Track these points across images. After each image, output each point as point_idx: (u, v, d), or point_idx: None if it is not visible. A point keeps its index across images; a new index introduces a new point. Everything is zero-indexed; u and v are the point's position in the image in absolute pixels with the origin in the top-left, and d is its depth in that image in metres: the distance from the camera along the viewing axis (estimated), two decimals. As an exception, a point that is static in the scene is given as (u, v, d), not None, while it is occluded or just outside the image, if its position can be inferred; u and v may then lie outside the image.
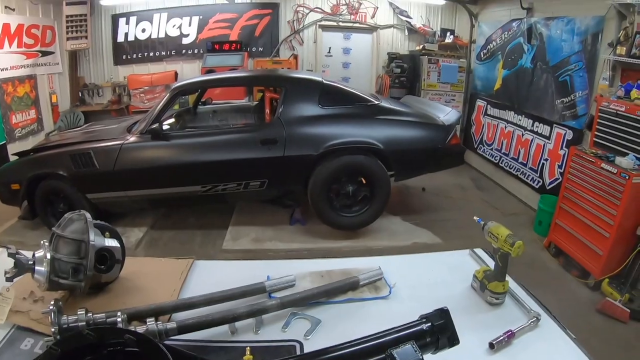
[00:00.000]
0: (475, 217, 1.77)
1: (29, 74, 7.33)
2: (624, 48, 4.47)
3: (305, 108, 4.87)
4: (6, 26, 6.67)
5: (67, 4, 7.89)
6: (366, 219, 4.99)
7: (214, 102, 6.54)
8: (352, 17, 8.87)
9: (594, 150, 4.44)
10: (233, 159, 4.70)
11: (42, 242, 1.47)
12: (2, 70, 6.63)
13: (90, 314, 1.28)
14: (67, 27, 7.97)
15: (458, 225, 5.20)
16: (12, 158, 5.86)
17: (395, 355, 0.90)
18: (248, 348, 1.18)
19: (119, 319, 1.27)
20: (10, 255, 1.41)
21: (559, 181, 5.34)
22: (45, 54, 7.74)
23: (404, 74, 8.41)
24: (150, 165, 4.74)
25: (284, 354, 1.30)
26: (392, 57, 8.65)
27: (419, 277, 1.74)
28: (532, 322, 1.44)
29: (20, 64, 7.09)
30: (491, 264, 1.64)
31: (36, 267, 1.42)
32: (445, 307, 1.05)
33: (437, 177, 5.87)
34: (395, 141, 4.87)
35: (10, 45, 6.79)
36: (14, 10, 6.87)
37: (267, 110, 5.31)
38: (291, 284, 1.60)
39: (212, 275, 1.73)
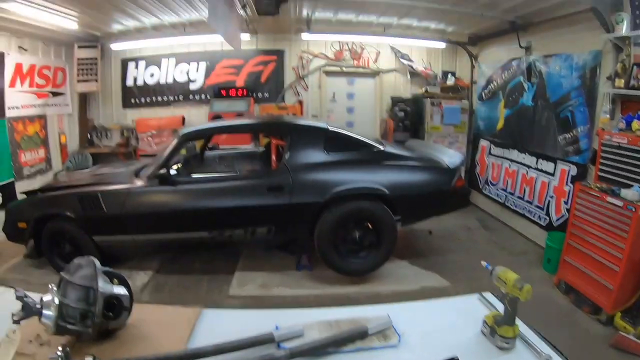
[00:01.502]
0: (482, 262, 1.77)
1: (39, 113, 7.51)
2: (622, 80, 4.56)
3: (311, 155, 4.92)
4: (19, 66, 6.88)
5: (79, 47, 8.20)
6: (373, 264, 4.95)
7: (220, 147, 6.62)
8: (355, 62, 9.04)
9: (598, 185, 4.46)
10: (240, 206, 4.73)
11: (50, 286, 1.47)
12: (13, 108, 6.79)
13: (97, 361, 1.26)
14: (78, 70, 8.27)
15: (466, 268, 5.18)
16: (20, 196, 5.91)
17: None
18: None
19: (126, 368, 1.26)
20: (18, 298, 1.41)
21: (565, 218, 5.33)
22: (55, 94, 7.96)
23: (408, 117, 8.52)
24: (158, 210, 4.77)
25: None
26: (395, 101, 8.77)
27: (428, 324, 1.71)
28: (543, 364, 1.42)
29: (31, 103, 7.27)
30: (501, 307, 1.62)
31: (44, 311, 1.41)
32: (456, 356, 1.04)
33: (444, 219, 5.83)
34: (401, 186, 4.88)
35: (22, 85, 6.99)
36: (26, 50, 7.11)
37: (274, 157, 5.37)
38: (300, 333, 1.58)
39: (220, 324, 1.71)
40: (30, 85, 7.23)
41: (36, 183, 6.84)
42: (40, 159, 7.56)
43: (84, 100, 8.85)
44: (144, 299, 4.57)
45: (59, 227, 4.86)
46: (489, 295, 1.90)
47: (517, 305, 1.56)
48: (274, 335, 1.54)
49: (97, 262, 1.58)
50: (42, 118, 7.61)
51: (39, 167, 7.51)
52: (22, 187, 6.37)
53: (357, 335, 1.57)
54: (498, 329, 1.55)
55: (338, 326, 1.63)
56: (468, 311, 1.80)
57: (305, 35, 8.45)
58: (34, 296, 1.46)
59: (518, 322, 1.59)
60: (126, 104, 9.09)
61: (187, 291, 4.88)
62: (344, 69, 9.11)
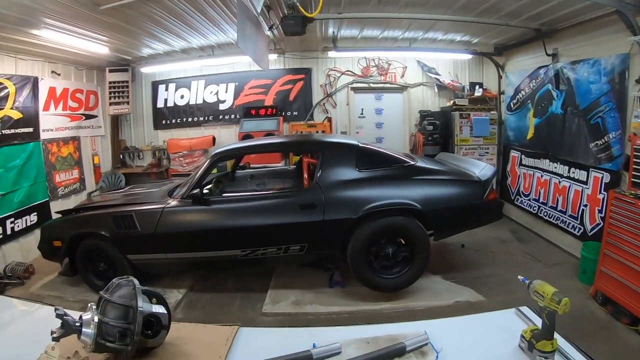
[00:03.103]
0: (519, 277, 1.75)
1: (72, 135, 7.76)
2: (652, 83, 4.44)
3: (342, 172, 4.92)
4: (52, 90, 7.14)
5: (110, 70, 8.43)
6: (407, 279, 4.89)
7: (251, 165, 6.70)
8: (382, 77, 9.06)
9: (633, 191, 4.35)
10: (273, 224, 4.75)
11: (89, 305, 1.52)
12: (47, 131, 7.02)
13: (136, 378, 1.29)
14: (110, 93, 8.50)
15: (501, 281, 5.10)
16: (55, 215, 6.07)
17: None
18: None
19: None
20: (58, 316, 1.45)
21: (600, 226, 5.20)
22: (88, 117, 8.23)
23: (437, 130, 8.47)
24: (191, 229, 4.84)
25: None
26: (424, 115, 8.74)
27: (466, 340, 1.70)
28: (583, 378, 1.40)
29: (65, 125, 7.53)
30: (538, 321, 1.60)
31: (83, 329, 1.46)
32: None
33: (477, 232, 5.77)
34: (433, 200, 4.85)
35: (55, 108, 7.25)
36: (59, 75, 7.38)
37: (305, 175, 5.38)
38: (338, 351, 1.58)
39: (257, 342, 1.74)
40: (64, 108, 7.49)
41: (70, 203, 7.04)
42: (74, 179, 7.77)
43: (116, 122, 9.11)
44: (177, 316, 4.64)
45: (93, 246, 4.97)
46: (525, 310, 1.88)
47: (555, 319, 1.53)
48: (312, 354, 1.55)
49: (137, 282, 1.62)
50: (75, 140, 7.84)
51: (73, 187, 7.71)
52: (56, 207, 6.56)
53: (395, 353, 1.57)
54: (536, 344, 1.53)
55: (376, 343, 1.63)
56: (505, 326, 1.78)
57: (332, 53, 8.52)
58: (73, 314, 1.51)
59: (556, 336, 1.56)
60: (157, 125, 9.32)
61: (220, 309, 4.92)
62: (372, 84, 9.13)
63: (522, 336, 1.61)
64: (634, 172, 4.48)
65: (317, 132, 8.48)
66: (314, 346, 1.60)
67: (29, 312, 1.98)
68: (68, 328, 1.46)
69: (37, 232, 5.65)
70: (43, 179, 6.86)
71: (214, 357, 1.60)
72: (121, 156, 9.11)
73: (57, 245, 5.10)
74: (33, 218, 6.52)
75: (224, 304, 5.05)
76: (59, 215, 5.42)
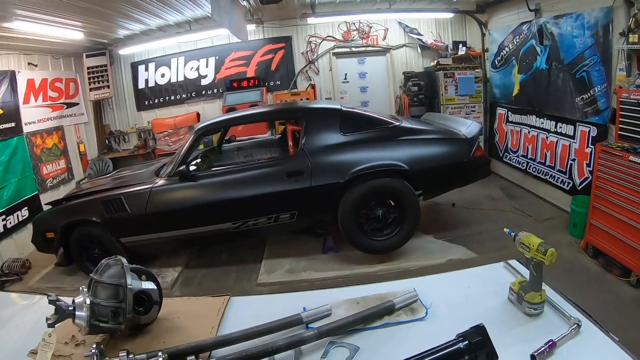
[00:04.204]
0: (505, 229, 1.75)
1: (56, 125, 7.64)
2: (637, 35, 4.42)
3: (327, 137, 4.91)
4: (31, 82, 7.00)
5: (87, 56, 8.26)
6: (398, 240, 4.95)
7: (237, 138, 6.65)
8: (364, 41, 8.97)
9: (620, 144, 4.35)
10: (261, 194, 4.75)
11: (81, 288, 1.52)
12: (30, 124, 6.90)
13: (132, 355, 1.31)
14: (89, 78, 8.34)
15: (492, 237, 5.14)
16: (46, 207, 6.04)
17: (435, 376, 0.90)
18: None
19: (160, 358, 1.30)
20: (50, 302, 1.46)
21: (589, 180, 5.24)
22: (70, 105, 8.09)
23: (422, 91, 8.43)
24: (180, 206, 4.83)
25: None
26: (408, 76, 8.70)
27: (455, 295, 1.71)
28: (572, 329, 1.40)
29: (47, 116, 7.40)
30: (526, 274, 1.61)
31: (76, 312, 1.46)
32: (482, 323, 1.04)
33: (466, 190, 5.81)
34: (420, 160, 4.86)
35: (35, 100, 7.11)
36: (36, 66, 7.22)
37: (290, 143, 5.37)
38: (327, 313, 1.59)
39: (248, 311, 1.75)
40: (44, 99, 7.36)
41: (60, 194, 6.96)
42: (61, 169, 7.68)
43: (99, 107, 8.97)
44: (175, 294, 4.70)
45: (86, 233, 4.97)
46: (514, 262, 1.89)
47: (542, 270, 1.54)
48: (302, 317, 1.56)
49: (125, 260, 1.61)
50: (59, 130, 7.73)
51: (61, 177, 7.64)
52: (46, 199, 6.48)
53: (385, 311, 1.58)
54: (525, 296, 1.54)
55: (365, 303, 1.65)
56: (494, 280, 1.79)
57: (311, 19, 8.36)
58: (67, 299, 1.51)
59: (545, 287, 1.57)
60: (140, 106, 9.20)
61: (216, 283, 4.96)
62: (354, 49, 9.05)
63: (510, 288, 1.62)
64: (620, 125, 4.47)
65: (301, 99, 8.42)
66: (304, 309, 1.61)
67: (29, 304, 1.98)
68: (62, 313, 1.46)
69: (30, 226, 5.61)
70: (30, 172, 6.78)
71: (207, 328, 1.61)
72: (107, 141, 9.00)
73: (50, 236, 5.08)
74: (24, 213, 6.46)
75: (219, 278, 5.09)
76: (50, 207, 5.38)
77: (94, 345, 1.27)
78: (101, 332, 1.52)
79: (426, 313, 1.60)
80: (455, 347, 1.00)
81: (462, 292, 1.74)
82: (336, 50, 9.03)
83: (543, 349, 1.32)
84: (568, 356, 1.33)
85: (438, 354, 0.97)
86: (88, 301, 1.47)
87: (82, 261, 5.06)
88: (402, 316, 1.59)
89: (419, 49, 9.04)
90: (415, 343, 1.15)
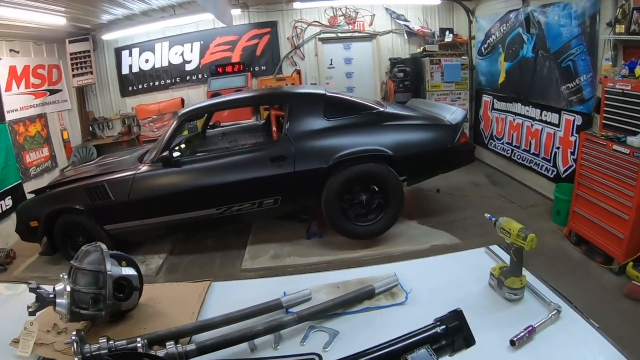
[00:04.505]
0: (486, 214, 1.77)
1: (38, 113, 7.47)
2: (623, 26, 4.44)
3: (311, 122, 4.90)
4: (12, 69, 6.84)
5: (70, 41, 8.07)
6: (382, 226, 4.97)
7: (222, 124, 6.60)
8: (350, 26, 8.88)
9: (604, 133, 4.39)
10: (244, 179, 4.73)
11: (61, 275, 1.51)
12: (12, 111, 6.75)
13: (112, 342, 1.30)
14: (72, 65, 8.15)
15: (476, 224, 5.16)
16: (29, 196, 5.96)
17: (411, 361, 0.90)
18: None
19: (139, 344, 1.30)
20: (31, 290, 1.46)
21: (573, 168, 5.29)
22: (53, 92, 7.92)
23: (408, 77, 8.39)
24: (164, 192, 4.80)
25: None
26: (394, 62, 8.64)
27: (436, 280, 1.73)
28: (552, 315, 1.43)
29: (30, 104, 7.24)
30: (507, 259, 1.62)
31: (57, 300, 1.46)
32: (459, 308, 1.05)
33: (451, 176, 5.83)
34: (404, 146, 4.86)
35: (18, 87, 6.95)
36: (18, 52, 7.05)
37: (274, 128, 5.35)
38: (307, 297, 1.60)
39: (230, 296, 1.75)
40: (27, 86, 7.20)
41: (43, 182, 6.83)
42: (45, 157, 7.56)
43: (82, 93, 8.79)
44: (159, 281, 4.65)
45: (70, 221, 4.92)
46: (495, 248, 1.91)
47: (522, 255, 1.55)
48: (282, 302, 1.56)
49: (104, 247, 1.61)
50: (42, 117, 7.58)
51: (44, 165, 7.52)
52: (30, 188, 6.36)
53: (365, 295, 1.59)
54: (505, 281, 1.56)
55: (345, 288, 1.65)
56: (475, 265, 1.81)
57: (297, 4, 8.31)
58: (48, 287, 1.50)
59: (526, 273, 1.59)
60: (124, 92, 9.04)
61: (201, 269, 4.95)
62: (340, 34, 8.96)
63: (491, 274, 1.64)
64: (605, 114, 4.50)
65: (286, 85, 8.34)
66: (285, 294, 1.62)
67: (14, 294, 1.97)
68: (42, 301, 1.46)
69: (14, 216, 5.52)
70: (13, 161, 6.65)
71: (188, 313, 1.62)
72: (90, 128, 8.84)
73: (34, 225, 5.02)
74: (8, 202, 6.33)
75: (204, 264, 5.08)
76: (33, 195, 5.31)
77: (74, 333, 1.26)
78: (82, 319, 1.52)
79: (406, 298, 1.61)
80: (432, 331, 1.00)
81: (443, 277, 1.75)
82: (322, 35, 8.93)
83: (522, 334, 1.34)
84: (547, 341, 1.35)
85: (414, 338, 0.97)
86: (68, 288, 1.47)
87: (66, 250, 5.00)
88: (382, 301, 1.60)
89: (405, 35, 8.98)
90: (395, 327, 1.15)
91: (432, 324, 1.03)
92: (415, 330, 0.99)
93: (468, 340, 1.02)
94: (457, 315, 1.03)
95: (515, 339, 1.32)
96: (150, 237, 5.32)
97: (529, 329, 1.35)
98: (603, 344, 1.33)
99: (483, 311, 1.50)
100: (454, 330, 1.01)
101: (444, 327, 1.01)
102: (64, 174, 6.32)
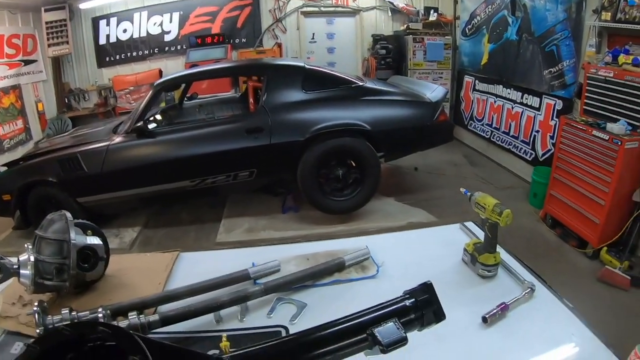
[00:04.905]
0: (461, 189, 1.75)
1: (13, 84, 7.31)
2: (609, 13, 4.43)
3: (288, 94, 4.84)
4: (-14, 39, 6.60)
5: (46, 10, 7.82)
6: (358, 201, 4.98)
7: (200, 96, 6.50)
8: (334, 1, 8.82)
9: (584, 118, 4.41)
10: (219, 151, 4.68)
11: (26, 245, 1.46)
12: (-16, 83, 6.55)
13: (74, 313, 1.27)
14: (48, 34, 7.93)
15: (453, 202, 5.15)
16: (1, 169, 5.82)
17: (377, 334, 0.86)
18: (224, 335, 1.15)
19: (100, 315, 1.27)
20: (-6, 261, 1.40)
21: (551, 152, 5.31)
22: (27, 62, 7.73)
23: (390, 54, 8.36)
24: (138, 163, 4.71)
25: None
26: (377, 39, 8.59)
27: (408, 255, 1.71)
28: (526, 293, 1.41)
29: (3, 74, 7.07)
30: (482, 236, 1.60)
31: (21, 271, 1.40)
32: (429, 281, 1.02)
33: (429, 155, 5.85)
34: (382, 121, 4.84)
35: (-9, 57, 6.72)
36: (-9, 21, 6.81)
37: (251, 100, 5.28)
38: (276, 269, 1.57)
39: (198, 267, 1.71)
40: (0, 56, 7.02)
41: (17, 155, 6.68)
42: (19, 130, 7.42)
43: (58, 64, 8.54)
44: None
45: (43, 194, 4.81)
46: (470, 224, 1.90)
47: (497, 231, 1.53)
48: (249, 272, 1.53)
49: (69, 215, 1.55)
50: (16, 88, 7.40)
51: (18, 138, 7.38)
52: (3, 161, 6.16)
53: (335, 268, 1.56)
54: (479, 257, 1.54)
55: (315, 259, 1.62)
56: (449, 240, 1.79)
57: (280, -24, 8.16)
58: (13, 259, 1.44)
59: (500, 250, 1.57)
60: (101, 63, 8.85)
61: (175, 242, 4.89)
62: (323, 8, 8.89)
63: (465, 249, 1.62)
64: (586, 100, 4.52)
65: (266, 57, 8.24)
66: (253, 265, 1.59)
67: None
68: (6, 272, 1.40)
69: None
70: (-14, 134, 6.52)
71: (154, 284, 1.58)
72: (66, 100, 8.65)
73: (6, 199, 4.88)
74: (-20, 176, 6.20)
75: (179, 237, 5.04)
76: (5, 168, 5.16)
77: (36, 304, 1.23)
78: (47, 291, 1.47)
79: (377, 271, 1.58)
80: (401, 304, 0.97)
81: (415, 252, 1.73)
82: (305, 9, 8.85)
83: (495, 311, 1.32)
84: (520, 319, 1.34)
85: (382, 311, 0.94)
86: (32, 258, 1.41)
87: (39, 223, 4.88)
88: (353, 274, 1.57)
89: (389, 12, 8.94)
90: (364, 301, 1.11)
91: (401, 296, 1.00)
92: (383, 303, 0.96)
93: (438, 315, 0.99)
94: (426, 289, 1.00)
95: (487, 315, 1.31)
96: (124, 210, 5.23)
97: (502, 306, 1.34)
98: (576, 324, 1.32)
99: (455, 287, 1.48)
100: (424, 303, 0.98)
101: (412, 300, 0.98)
102: (38, 147, 6.19)
